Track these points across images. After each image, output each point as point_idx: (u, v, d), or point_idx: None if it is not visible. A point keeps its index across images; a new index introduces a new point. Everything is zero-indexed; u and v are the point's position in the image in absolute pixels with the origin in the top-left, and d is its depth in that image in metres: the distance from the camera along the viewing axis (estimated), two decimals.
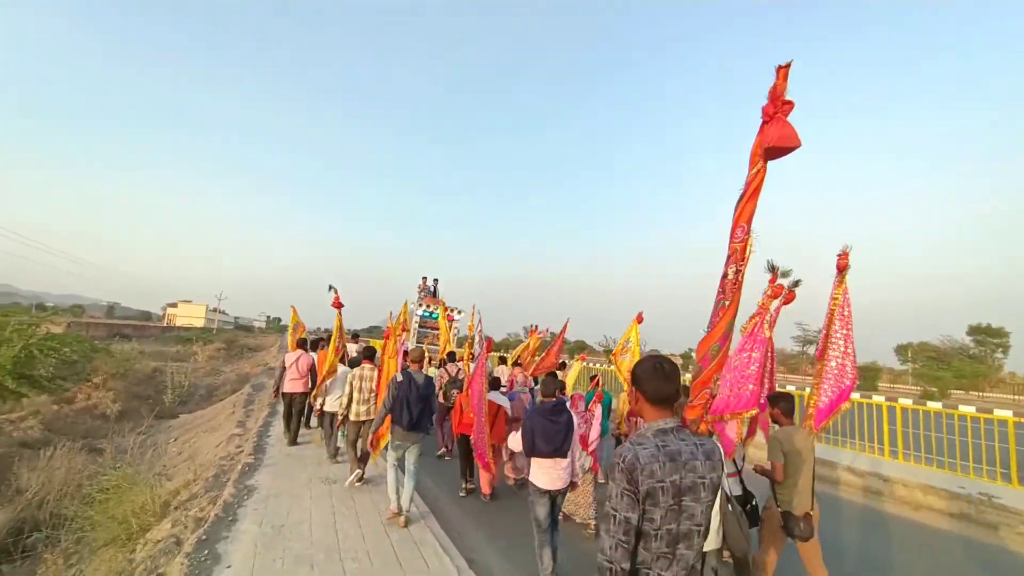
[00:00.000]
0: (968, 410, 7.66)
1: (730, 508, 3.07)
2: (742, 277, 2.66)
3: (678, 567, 1.62)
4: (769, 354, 4.14)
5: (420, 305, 16.26)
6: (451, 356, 8.80)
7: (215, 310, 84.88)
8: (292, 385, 7.74)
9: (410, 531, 4.62)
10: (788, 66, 2.34)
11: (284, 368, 7.85)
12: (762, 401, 4.07)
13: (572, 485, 4.01)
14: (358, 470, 5.95)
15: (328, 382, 7.02)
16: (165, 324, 75.45)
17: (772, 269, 4.09)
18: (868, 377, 38.56)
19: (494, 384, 6.32)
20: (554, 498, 3.85)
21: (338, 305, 7.33)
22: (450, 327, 14.21)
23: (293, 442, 7.75)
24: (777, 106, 2.36)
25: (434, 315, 15.73)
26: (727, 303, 2.69)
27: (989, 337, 43.82)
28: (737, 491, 3.67)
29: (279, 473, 6.19)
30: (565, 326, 9.38)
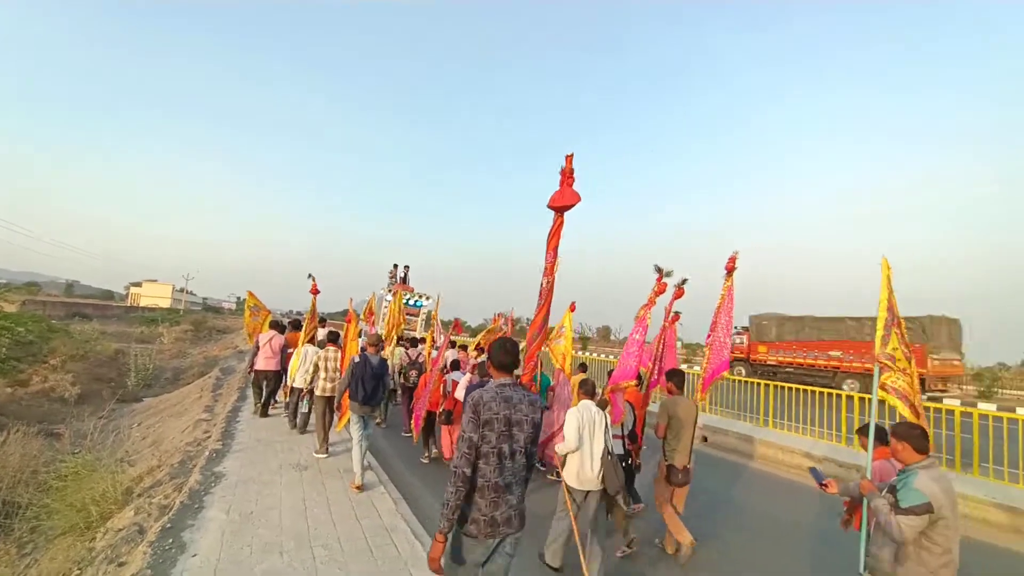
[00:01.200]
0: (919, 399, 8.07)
1: (609, 458, 3.92)
2: (551, 286, 3.74)
3: (504, 472, 2.36)
4: (664, 338, 5.60)
5: (390, 291, 16.38)
6: (412, 340, 9.51)
7: (182, 290, 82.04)
8: (265, 363, 8.34)
9: (381, 518, 4.62)
10: (571, 156, 3.47)
11: (258, 347, 8.45)
12: (655, 377, 5.56)
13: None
14: (325, 444, 6.59)
15: (299, 359, 7.57)
16: (128, 304, 72.64)
17: (658, 270, 5.09)
18: None
19: (455, 366, 7.10)
20: None
21: (315, 292, 8.31)
22: (419, 313, 14.62)
23: (264, 414, 8.42)
24: (565, 179, 3.49)
25: (411, 303, 15.94)
26: (541, 303, 3.76)
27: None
28: (619, 451, 4.51)
29: (248, 459, 6.09)
30: (511, 313, 10.30)
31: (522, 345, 3.93)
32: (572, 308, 7.87)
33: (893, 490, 2.64)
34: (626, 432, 4.78)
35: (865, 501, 2.89)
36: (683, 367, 8.34)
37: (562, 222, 3.62)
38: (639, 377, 5.43)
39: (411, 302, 16.21)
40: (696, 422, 4.63)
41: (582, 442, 3.88)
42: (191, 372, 17.71)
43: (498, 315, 10.92)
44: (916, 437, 2.68)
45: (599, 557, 3.88)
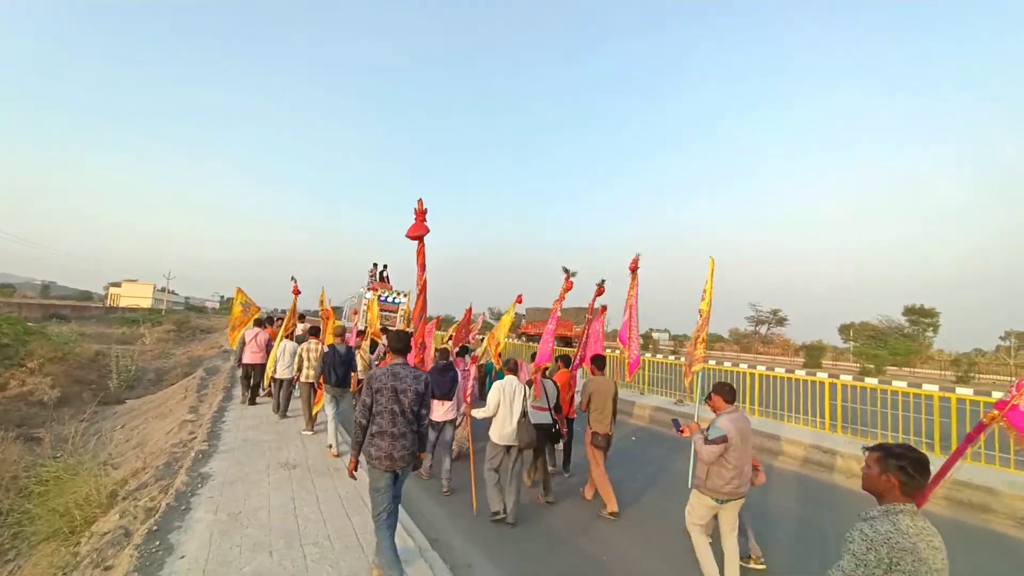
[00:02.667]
0: (900, 385, 8.28)
1: (523, 419, 4.90)
2: (424, 288, 5.02)
3: (397, 425, 3.37)
4: (586, 331, 6.61)
5: (369, 289, 17.26)
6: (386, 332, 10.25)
7: (163, 290, 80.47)
8: (252, 356, 9.15)
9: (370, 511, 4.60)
10: (421, 200, 4.64)
11: (245, 342, 9.22)
12: (576, 362, 6.58)
13: (456, 421, 6.15)
14: (311, 423, 7.58)
15: (278, 353, 8.40)
16: (108, 305, 71.09)
17: (566, 271, 6.24)
18: (813, 355, 40.89)
19: None
20: (442, 427, 5.75)
21: (296, 292, 9.42)
22: (397, 310, 15.62)
23: (252, 402, 9.31)
24: (418, 216, 4.67)
25: (392, 300, 16.60)
26: (418, 298, 5.07)
27: (922, 317, 47.07)
28: (547, 420, 5.50)
29: (235, 459, 6.02)
30: (469, 310, 11.05)
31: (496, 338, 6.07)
32: (519, 300, 8.82)
33: (705, 429, 3.79)
34: (551, 405, 5.63)
35: (692, 438, 3.92)
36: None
37: (424, 247, 4.88)
38: (562, 360, 6.77)
39: (389, 299, 16.92)
40: (615, 397, 5.62)
41: (501, 408, 4.91)
42: (175, 373, 17.41)
43: (469, 308, 11.76)
44: (725, 392, 3.86)
45: (515, 496, 4.84)
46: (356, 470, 3.63)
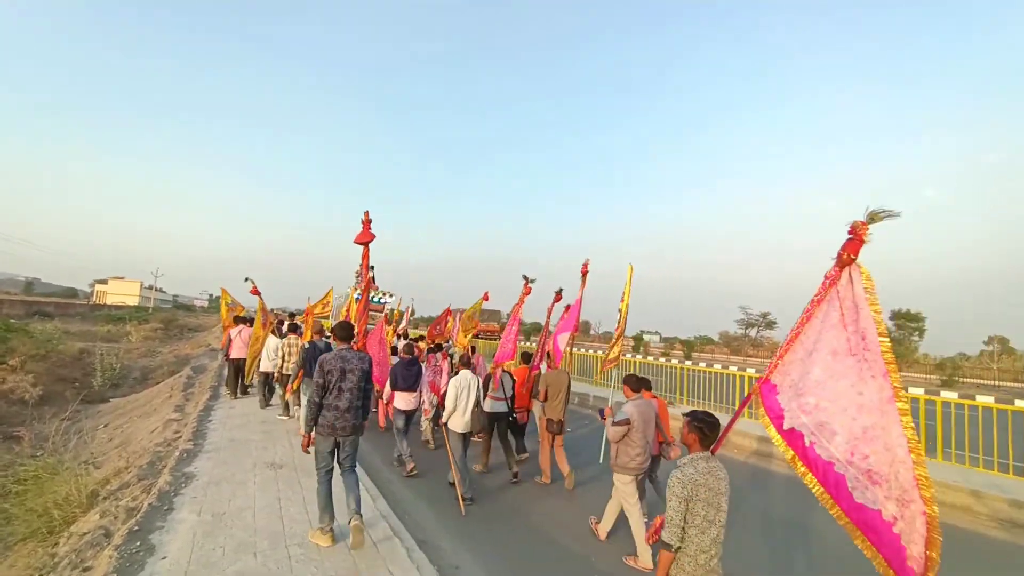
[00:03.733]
0: None
1: (476, 408, 5.47)
2: (366, 286, 5.69)
3: (342, 400, 3.96)
4: (544, 331, 7.34)
5: (356, 289, 17.19)
6: (405, 337, 11.19)
7: (151, 288, 79.42)
8: (239, 351, 9.64)
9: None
10: (368, 211, 5.23)
11: (231, 339, 9.77)
12: (537, 361, 7.07)
13: (423, 411, 7.00)
14: (286, 410, 8.29)
15: (263, 348, 8.97)
16: (93, 302, 69.95)
17: (525, 278, 7.00)
18: None
19: (394, 351, 8.67)
20: (409, 416, 6.44)
21: (255, 292, 9.77)
22: (383, 309, 16.20)
23: (244, 393, 9.95)
24: (365, 225, 5.22)
25: (377, 300, 16.89)
26: (362, 295, 5.77)
27: (908, 321, 47.68)
28: (504, 409, 6.18)
29: (221, 459, 5.93)
30: (447, 310, 12.13)
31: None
32: (485, 297, 10.07)
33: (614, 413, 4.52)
34: (507, 396, 6.24)
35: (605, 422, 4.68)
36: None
37: (368, 251, 5.51)
38: (523, 357, 7.61)
39: (375, 299, 17.05)
40: (568, 388, 6.21)
41: (459, 401, 5.42)
42: (161, 371, 17.16)
43: (448, 308, 12.73)
44: (631, 382, 4.60)
45: (468, 475, 5.48)
46: (309, 446, 4.03)
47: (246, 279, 9.85)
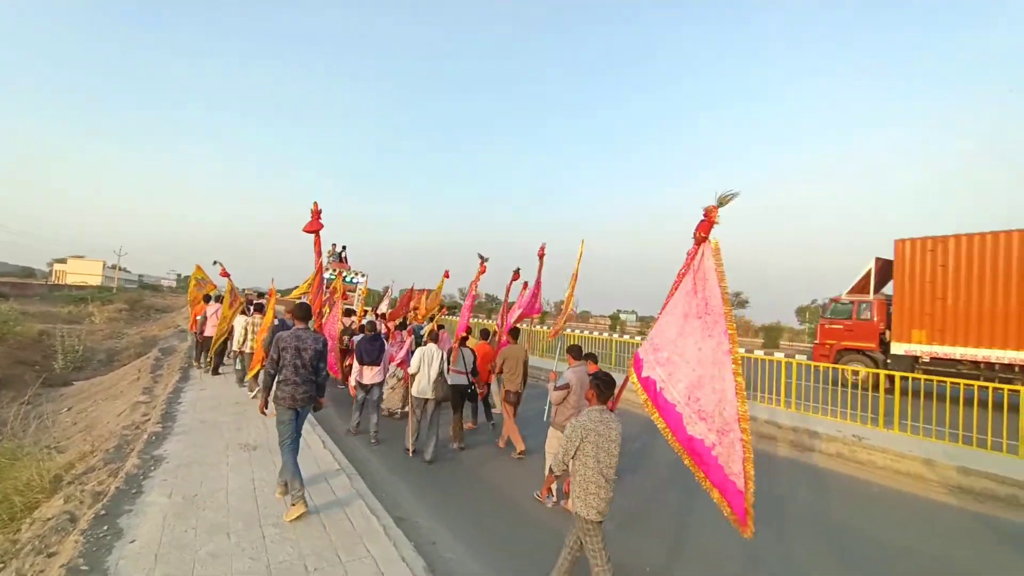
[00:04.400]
0: (779, 356, 8.70)
1: (440, 377, 5.99)
2: (318, 269, 6.46)
3: (299, 375, 4.17)
4: (504, 310, 7.99)
5: (328, 269, 17.35)
6: (348, 311, 11.38)
7: (114, 267, 76.31)
8: (212, 330, 9.94)
9: (335, 493, 4.55)
10: (317, 202, 5.88)
11: (206, 317, 10.11)
12: (502, 336, 7.50)
13: (384, 384, 7.13)
14: (253, 384, 8.24)
15: (236, 327, 9.20)
16: (52, 282, 66.91)
17: (480, 257, 7.59)
18: (771, 336, 42.54)
19: (361, 329, 8.64)
20: (370, 389, 6.81)
21: (225, 274, 10.15)
22: (355, 289, 17.14)
23: (216, 372, 10.09)
24: (314, 215, 5.88)
25: (351, 280, 17.37)
26: (315, 278, 6.55)
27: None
28: (464, 382, 6.64)
29: (192, 442, 5.81)
30: (410, 289, 13.63)
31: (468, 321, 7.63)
32: (446, 275, 11.04)
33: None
34: (468, 370, 6.72)
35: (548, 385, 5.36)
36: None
37: (319, 239, 6.24)
38: (483, 333, 8.63)
39: (347, 279, 17.81)
40: (526, 362, 6.67)
41: (421, 369, 5.97)
42: (127, 353, 16.65)
43: (411, 287, 13.86)
44: (573, 352, 5.23)
45: (433, 442, 5.96)
46: (267, 407, 4.28)
47: (215, 262, 10.30)
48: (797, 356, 9.58)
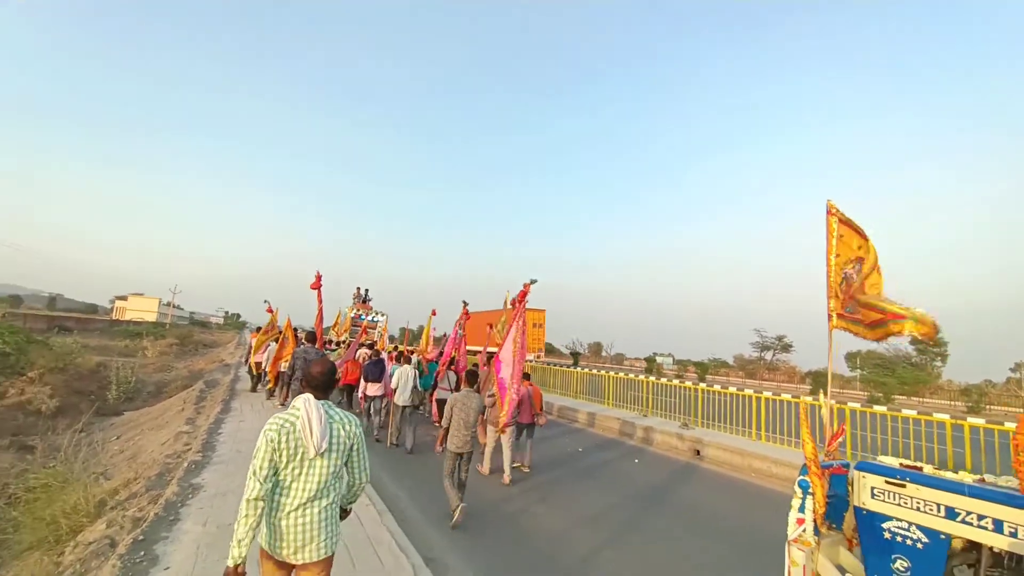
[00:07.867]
0: (910, 413, 8.08)
1: (414, 391, 8.03)
2: (319, 314, 9.65)
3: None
4: (453, 339, 9.65)
5: (353, 309, 21.77)
6: (371, 345, 12.50)
7: (169, 304, 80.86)
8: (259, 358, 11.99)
9: (364, 528, 4.47)
10: (318, 273, 9.14)
11: (251, 348, 12.51)
12: (485, 365, 8.96)
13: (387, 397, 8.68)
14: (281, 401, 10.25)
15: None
16: (113, 318, 71.29)
17: (464, 303, 9.46)
18: (820, 382, 40.26)
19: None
20: (373, 400, 8.74)
21: (270, 311, 12.45)
22: (376, 327, 19.98)
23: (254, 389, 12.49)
24: (317, 279, 9.12)
25: (363, 318, 20.55)
26: (317, 317, 9.76)
27: (930, 347, 46.40)
28: (448, 397, 6.45)
29: (229, 471, 5.90)
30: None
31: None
32: (433, 313, 12.16)
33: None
34: (452, 387, 8.45)
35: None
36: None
37: (320, 294, 9.20)
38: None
39: (370, 318, 20.29)
40: (482, 410, 6.95)
41: (400, 383, 7.84)
42: (174, 385, 17.31)
43: (406, 324, 16.05)
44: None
45: (411, 439, 7.97)
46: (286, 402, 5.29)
47: (264, 301, 12.61)
48: (848, 403, 8.96)
